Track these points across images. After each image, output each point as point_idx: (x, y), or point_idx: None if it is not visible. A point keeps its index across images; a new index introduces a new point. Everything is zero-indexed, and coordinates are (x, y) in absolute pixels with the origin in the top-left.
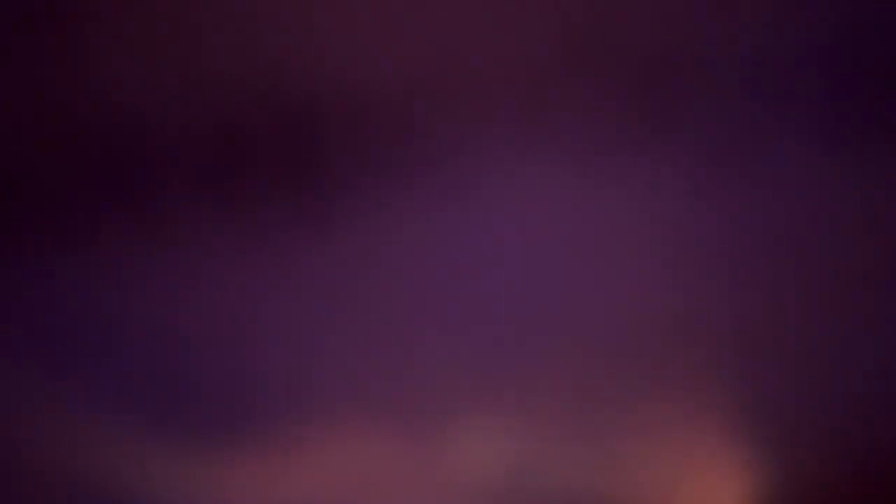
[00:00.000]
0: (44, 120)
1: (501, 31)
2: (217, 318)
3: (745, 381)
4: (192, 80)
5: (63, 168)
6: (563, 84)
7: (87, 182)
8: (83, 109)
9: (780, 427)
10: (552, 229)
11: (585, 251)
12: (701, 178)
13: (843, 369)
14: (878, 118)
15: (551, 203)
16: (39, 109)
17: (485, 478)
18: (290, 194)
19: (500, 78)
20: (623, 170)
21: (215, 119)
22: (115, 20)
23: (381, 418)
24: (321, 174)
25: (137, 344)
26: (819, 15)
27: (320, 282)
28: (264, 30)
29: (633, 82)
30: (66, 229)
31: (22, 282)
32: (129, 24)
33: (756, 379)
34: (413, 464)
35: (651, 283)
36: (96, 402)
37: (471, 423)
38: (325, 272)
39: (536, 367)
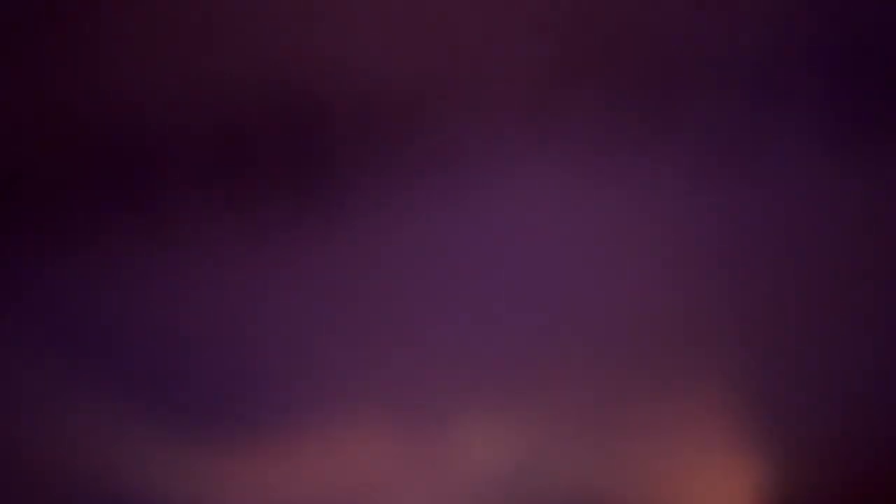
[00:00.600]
0: (45, 119)
1: (503, 31)
2: (218, 318)
3: (748, 380)
4: (194, 79)
5: (64, 167)
6: (565, 85)
7: (88, 181)
8: (84, 109)
9: (784, 426)
10: (553, 229)
11: (587, 251)
12: (701, 177)
13: (844, 369)
14: (878, 118)
15: (552, 203)
16: (40, 109)
17: (488, 477)
18: (292, 194)
19: (501, 78)
20: (624, 170)
21: (216, 118)
22: (116, 19)
23: (383, 417)
24: (322, 174)
25: (138, 343)
26: (819, 15)
27: (322, 281)
28: (267, 29)
29: (633, 83)
30: (66, 228)
31: (22, 281)
32: (131, 24)
33: (758, 378)
34: (415, 463)
35: (652, 283)
36: (97, 402)
37: (473, 422)
38: (326, 272)
39: (538, 367)
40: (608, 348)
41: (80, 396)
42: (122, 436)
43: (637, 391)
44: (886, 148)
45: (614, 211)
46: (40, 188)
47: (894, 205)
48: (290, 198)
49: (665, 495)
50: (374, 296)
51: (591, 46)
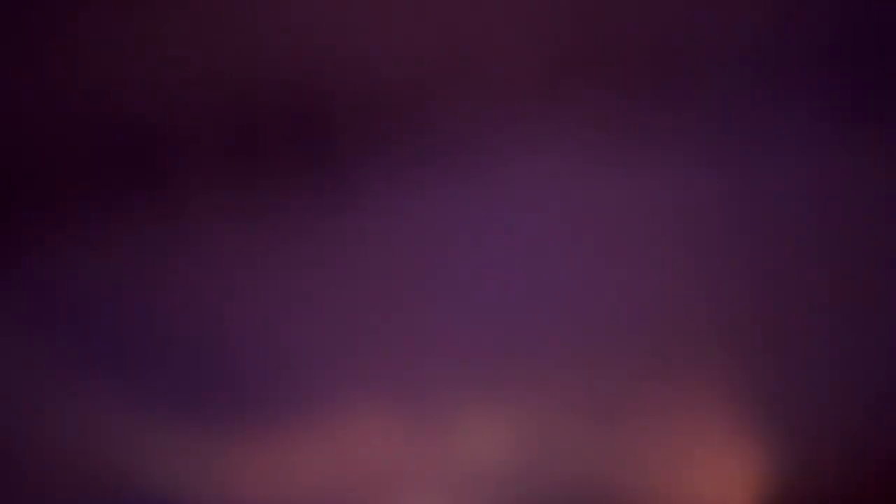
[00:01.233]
0: (57, 112)
1: (513, 22)
2: (224, 309)
3: (752, 372)
4: (200, 75)
5: (69, 162)
6: (571, 75)
7: (91, 176)
8: (89, 104)
9: (788, 417)
10: (562, 218)
11: (595, 240)
12: (710, 167)
13: (853, 360)
14: (886, 105)
15: (558, 194)
16: (47, 102)
17: (491, 469)
18: (299, 188)
19: (507, 69)
20: (633, 160)
21: (223, 113)
22: (123, 16)
23: (387, 409)
24: (329, 167)
25: (143, 336)
26: (828, 2)
27: (328, 272)
28: (274, 21)
29: (639, 73)
30: (76, 220)
31: (31, 275)
32: (138, 20)
33: (763, 371)
34: (419, 455)
35: (658, 275)
36: (105, 393)
37: (477, 414)
38: (333, 263)
39: (546, 357)
40: (614, 340)
41: (88, 388)
42: (126, 430)
43: (642, 384)
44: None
45: (621, 202)
46: (43, 183)
47: None
48: (298, 191)
49: (668, 487)
50: (381, 287)
51: (598, 37)
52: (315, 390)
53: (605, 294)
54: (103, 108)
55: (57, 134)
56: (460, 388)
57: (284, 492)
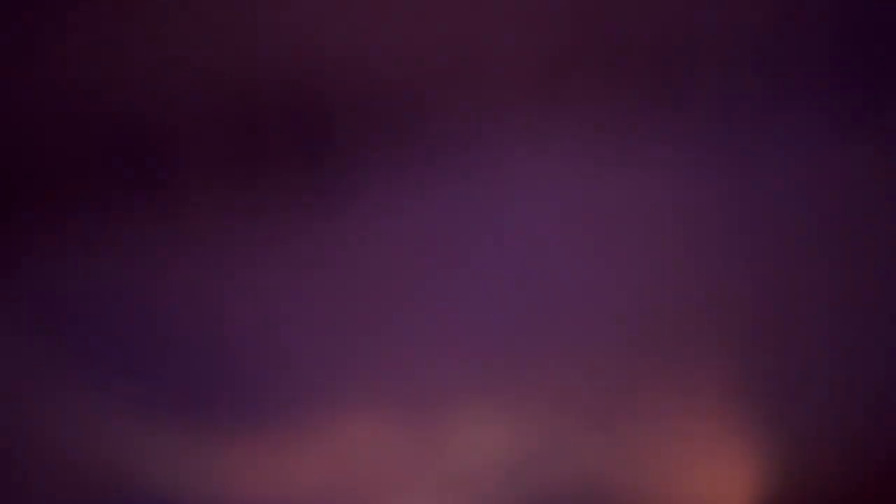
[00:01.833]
0: (57, 111)
1: (513, 22)
2: (219, 307)
3: (752, 372)
4: (201, 73)
5: (69, 162)
6: (570, 72)
7: (91, 175)
8: (90, 103)
9: (788, 417)
10: (562, 218)
11: (595, 240)
12: (710, 165)
13: (853, 360)
14: (888, 105)
15: (561, 192)
16: (53, 101)
17: (490, 469)
18: (299, 187)
19: (509, 67)
20: (633, 159)
21: (224, 111)
22: (124, 16)
23: (387, 409)
24: (328, 167)
25: (143, 336)
26: (828, 2)
27: (326, 274)
28: (273, 19)
29: (642, 72)
30: (76, 220)
31: (31, 275)
32: (139, 20)
33: (764, 370)
34: (419, 454)
35: (661, 271)
36: (104, 394)
37: (479, 412)
38: (331, 265)
39: (545, 357)
40: (613, 340)
41: (86, 387)
42: (125, 430)
43: (642, 385)
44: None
45: (621, 201)
46: (43, 183)
47: None
48: (297, 191)
49: (668, 487)
50: (381, 287)
51: (598, 37)
52: (314, 391)
53: (605, 294)
54: (103, 108)
55: (57, 134)
56: (459, 389)
57: (284, 492)
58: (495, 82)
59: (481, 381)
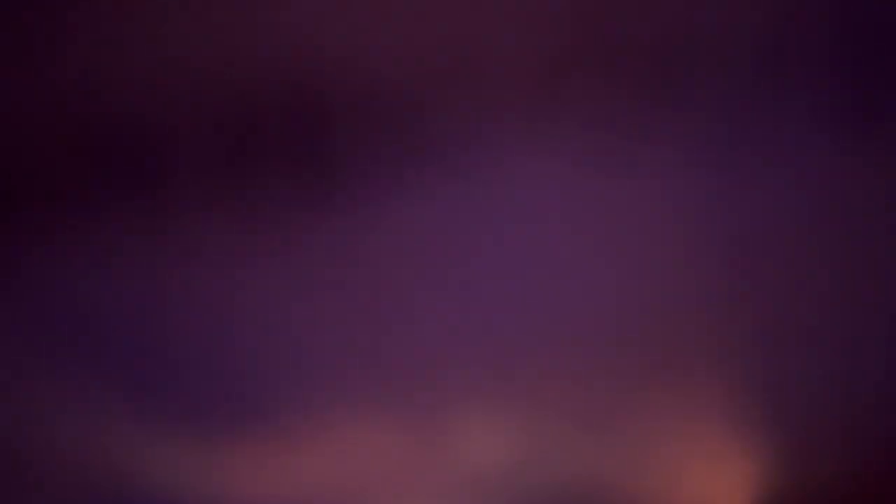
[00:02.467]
0: (56, 112)
1: (512, 22)
2: (218, 311)
3: (750, 373)
4: (195, 73)
5: (75, 158)
6: (567, 74)
7: (85, 175)
8: (83, 103)
9: (788, 418)
10: (561, 219)
11: (594, 241)
12: (707, 166)
13: (852, 361)
14: (885, 103)
15: (554, 193)
16: (52, 101)
17: (488, 471)
18: (293, 188)
19: (503, 67)
20: (631, 159)
21: (217, 112)
22: (118, 15)
23: (384, 411)
24: (324, 167)
25: (138, 337)
26: (828, 2)
27: (322, 275)
28: (271, 19)
29: (640, 72)
30: (75, 221)
31: (31, 276)
32: (133, 19)
33: (761, 371)
34: (419, 455)
35: (655, 275)
36: (104, 395)
37: (478, 414)
38: (326, 265)
39: (545, 359)
40: (613, 342)
41: (82, 388)
42: (126, 432)
43: (641, 386)
44: (895, 134)
45: (617, 201)
46: (43, 183)
47: None
48: (297, 192)
49: (668, 487)
50: (376, 290)
51: (598, 38)
52: (315, 392)
53: (604, 296)
54: (103, 109)
55: (56, 134)
56: (459, 389)
57: (285, 493)
58: (495, 82)
59: (482, 381)
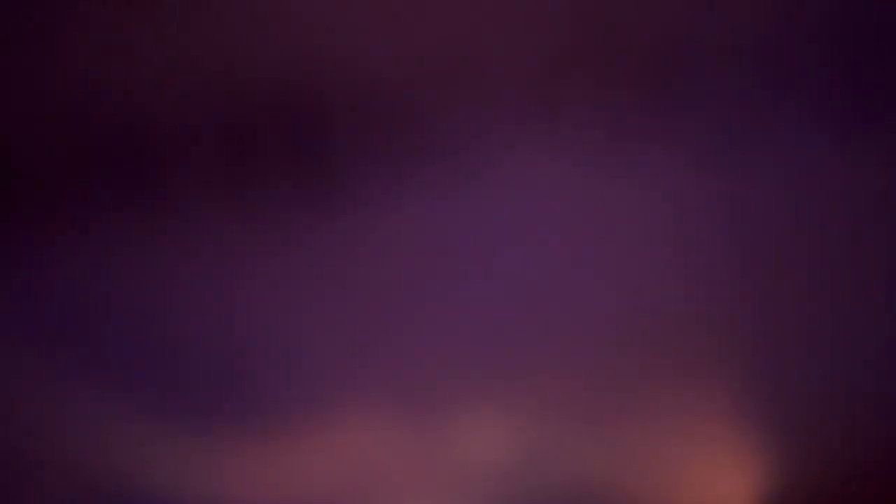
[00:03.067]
0: (56, 112)
1: (509, 21)
2: (219, 311)
3: (750, 372)
4: (195, 73)
5: (75, 159)
6: (567, 75)
7: (87, 175)
8: (84, 102)
9: (788, 418)
10: (559, 218)
11: (593, 240)
12: (707, 168)
13: (853, 360)
14: (885, 105)
15: (554, 193)
16: (53, 101)
17: (492, 467)
18: (293, 187)
19: (502, 69)
20: (630, 160)
21: (217, 112)
22: (119, 15)
23: (384, 410)
24: (323, 167)
25: (139, 337)
26: (826, 3)
27: (322, 274)
28: (272, 19)
29: (640, 73)
30: (76, 221)
31: (31, 276)
32: (134, 19)
33: (761, 370)
34: (420, 454)
35: (658, 273)
36: (105, 395)
37: (479, 412)
38: (326, 264)
39: (545, 358)
40: (613, 341)
41: (84, 386)
42: (127, 431)
43: (642, 384)
44: (894, 136)
45: (622, 200)
46: (44, 184)
47: None
48: (297, 192)
49: (668, 487)
50: (380, 289)
51: (598, 38)
52: (317, 392)
53: (605, 294)
54: (103, 109)
55: (57, 134)
56: (459, 389)
57: (286, 493)
58: (495, 83)
59: (482, 381)
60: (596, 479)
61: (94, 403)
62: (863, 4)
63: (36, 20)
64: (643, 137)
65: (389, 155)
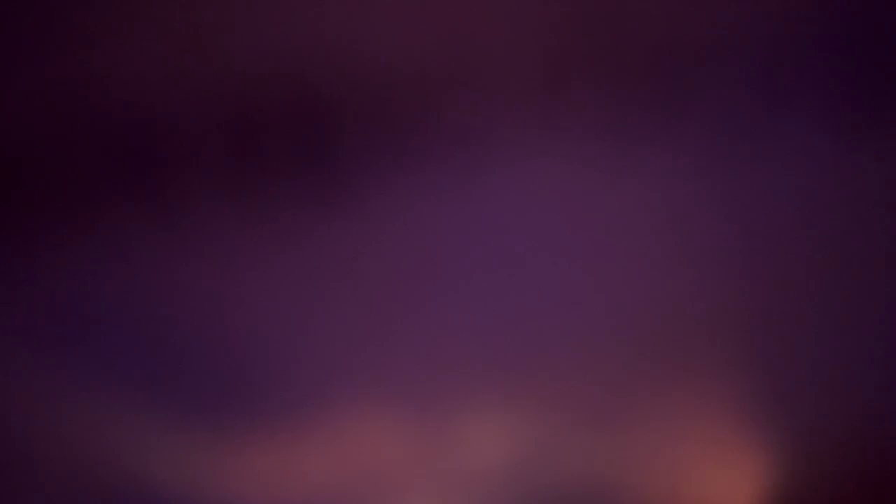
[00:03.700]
0: (58, 113)
1: (515, 20)
2: (223, 307)
3: (754, 372)
4: (202, 68)
5: (76, 160)
6: (576, 74)
7: (102, 173)
8: (90, 97)
9: (789, 419)
10: (564, 218)
11: (595, 242)
12: (711, 167)
13: (853, 362)
14: (887, 105)
15: (559, 192)
16: (54, 102)
17: (494, 467)
18: (300, 184)
19: (513, 67)
20: (633, 161)
21: (224, 107)
22: (132, 12)
23: (388, 408)
24: (330, 164)
25: (142, 333)
26: (828, 4)
27: (328, 272)
28: (280, 20)
29: (645, 73)
30: (78, 222)
31: (34, 277)
32: (140, 14)
33: (765, 370)
34: (421, 454)
35: (659, 274)
36: (106, 395)
37: (478, 413)
38: (332, 262)
39: (547, 358)
40: (615, 342)
41: (88, 384)
42: (129, 431)
43: (643, 384)
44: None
45: (627, 200)
46: (45, 185)
47: None
48: (299, 192)
49: (670, 488)
50: (382, 289)
51: (599, 40)
52: (319, 392)
53: (606, 295)
54: (110, 107)
55: (63, 132)
56: (461, 390)
57: (286, 492)
58: (498, 84)
59: (483, 381)
60: (597, 479)
61: (99, 401)
62: (863, 5)
63: (43, 20)
64: (646, 139)
65: (393, 154)
